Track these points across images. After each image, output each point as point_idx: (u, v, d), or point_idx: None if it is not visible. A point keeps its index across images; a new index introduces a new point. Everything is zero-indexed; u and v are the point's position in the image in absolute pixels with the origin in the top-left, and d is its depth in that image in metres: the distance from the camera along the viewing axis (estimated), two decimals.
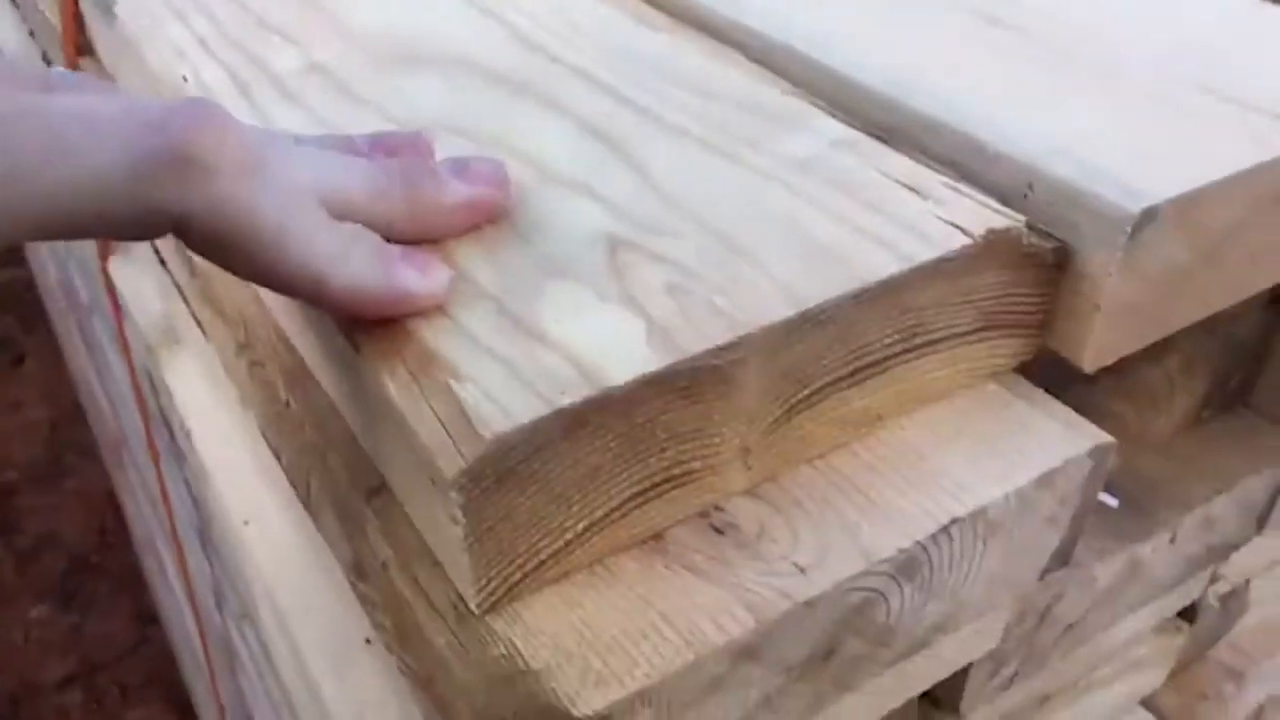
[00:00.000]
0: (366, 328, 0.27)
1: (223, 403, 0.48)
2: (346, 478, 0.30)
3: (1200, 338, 0.45)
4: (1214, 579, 0.54)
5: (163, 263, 0.46)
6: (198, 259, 0.40)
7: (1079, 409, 0.33)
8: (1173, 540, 0.46)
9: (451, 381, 0.25)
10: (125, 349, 0.66)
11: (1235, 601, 0.58)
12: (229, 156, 0.24)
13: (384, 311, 0.27)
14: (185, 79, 0.38)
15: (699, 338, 0.26)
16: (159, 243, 0.46)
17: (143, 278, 0.59)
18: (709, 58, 0.39)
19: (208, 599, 0.88)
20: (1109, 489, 0.45)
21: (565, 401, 0.24)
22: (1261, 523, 0.50)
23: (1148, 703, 0.58)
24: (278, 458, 0.37)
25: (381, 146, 0.30)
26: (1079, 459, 0.31)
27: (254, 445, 0.46)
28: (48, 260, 1.57)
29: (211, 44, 0.41)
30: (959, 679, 0.42)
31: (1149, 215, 0.29)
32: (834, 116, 0.35)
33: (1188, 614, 0.56)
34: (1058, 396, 0.33)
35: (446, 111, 0.36)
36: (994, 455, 0.30)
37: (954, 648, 0.37)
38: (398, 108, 0.36)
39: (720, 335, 0.26)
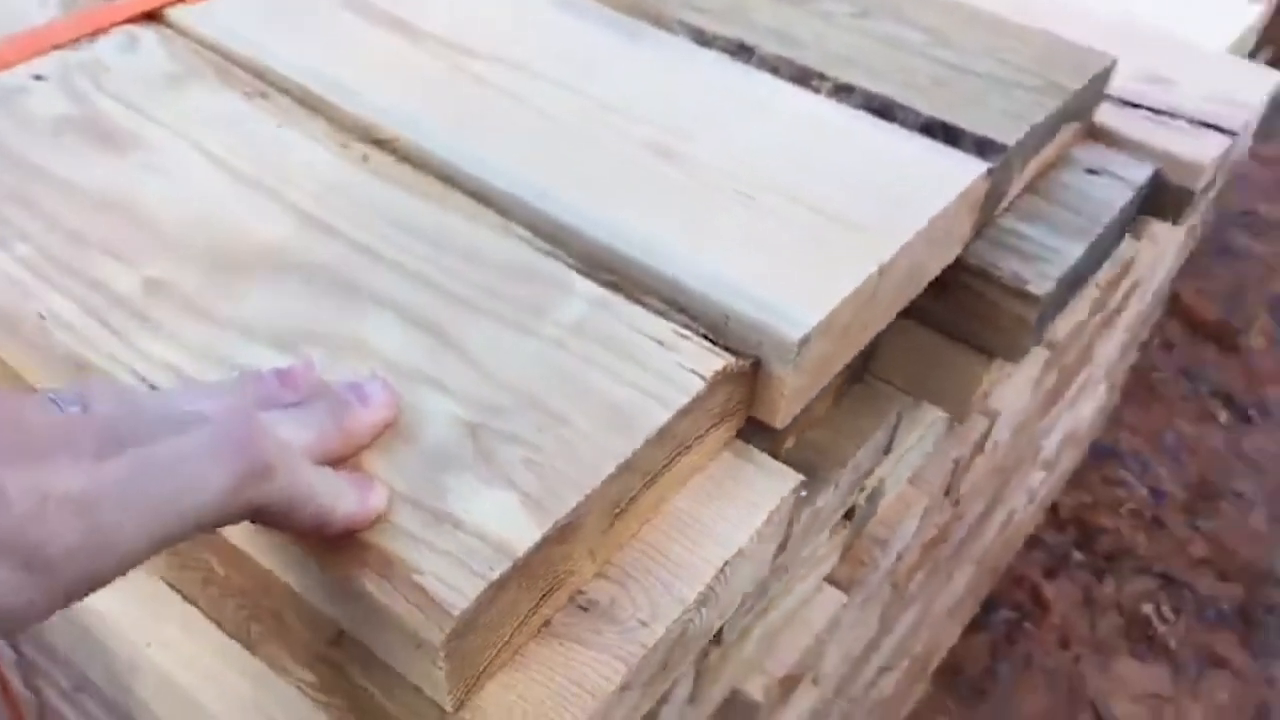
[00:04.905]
0: (323, 547, 0.38)
1: None
2: (307, 631, 0.42)
3: None
4: (862, 489, 0.74)
5: None
6: None
7: None
8: (836, 487, 0.64)
9: (414, 576, 0.37)
10: None
11: (877, 495, 0.79)
12: (280, 452, 0.33)
13: (359, 529, 0.37)
14: (42, 316, 0.45)
15: (560, 503, 0.39)
16: None
17: None
18: (471, 222, 0.50)
19: None
20: None
21: (494, 575, 0.37)
22: (887, 451, 0.71)
23: (827, 579, 0.78)
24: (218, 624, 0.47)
25: (288, 381, 0.38)
26: (789, 497, 0.47)
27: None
28: None
29: (43, 270, 0.47)
30: None
31: (805, 340, 0.45)
32: (585, 275, 0.48)
33: (848, 514, 0.76)
34: None
35: (294, 321, 0.45)
36: (738, 508, 0.46)
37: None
38: (253, 320, 0.45)
39: (573, 498, 0.39)
